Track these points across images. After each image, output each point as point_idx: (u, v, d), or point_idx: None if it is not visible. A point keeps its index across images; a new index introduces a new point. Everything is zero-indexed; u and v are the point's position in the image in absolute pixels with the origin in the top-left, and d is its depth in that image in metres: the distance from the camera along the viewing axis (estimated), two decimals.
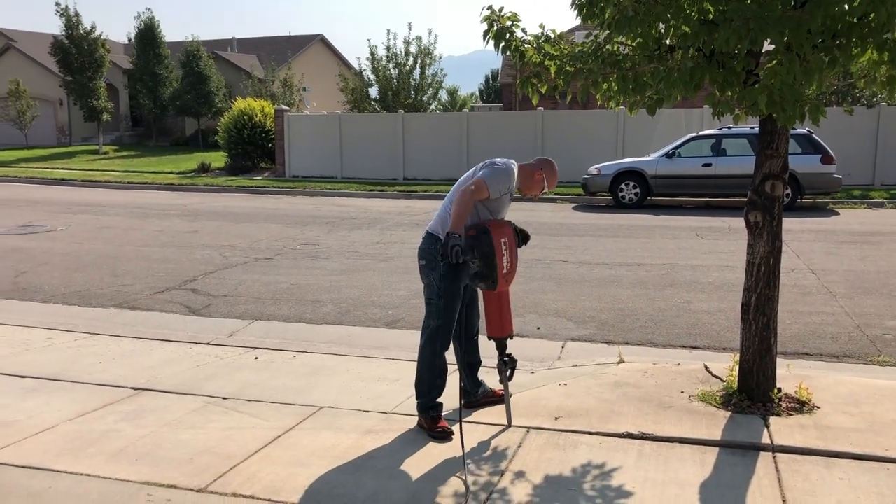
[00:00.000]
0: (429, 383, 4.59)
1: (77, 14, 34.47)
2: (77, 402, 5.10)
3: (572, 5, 4.59)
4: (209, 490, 3.85)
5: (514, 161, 4.71)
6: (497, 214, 4.62)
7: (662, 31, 4.39)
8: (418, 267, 4.69)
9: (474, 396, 4.95)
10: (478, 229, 4.38)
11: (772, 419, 4.64)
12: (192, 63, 37.37)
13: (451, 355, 4.68)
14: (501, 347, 4.65)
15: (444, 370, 4.63)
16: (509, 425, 4.66)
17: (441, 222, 4.58)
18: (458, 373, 4.89)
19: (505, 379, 4.66)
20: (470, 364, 4.96)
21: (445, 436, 4.48)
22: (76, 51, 34.44)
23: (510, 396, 4.74)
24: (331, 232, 13.73)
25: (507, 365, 4.63)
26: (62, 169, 29.12)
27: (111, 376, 5.68)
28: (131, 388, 5.42)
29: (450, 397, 4.71)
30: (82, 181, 25.05)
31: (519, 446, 4.36)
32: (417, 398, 4.65)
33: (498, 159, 4.63)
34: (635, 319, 7.48)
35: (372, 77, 33.19)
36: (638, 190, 17.36)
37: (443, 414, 4.63)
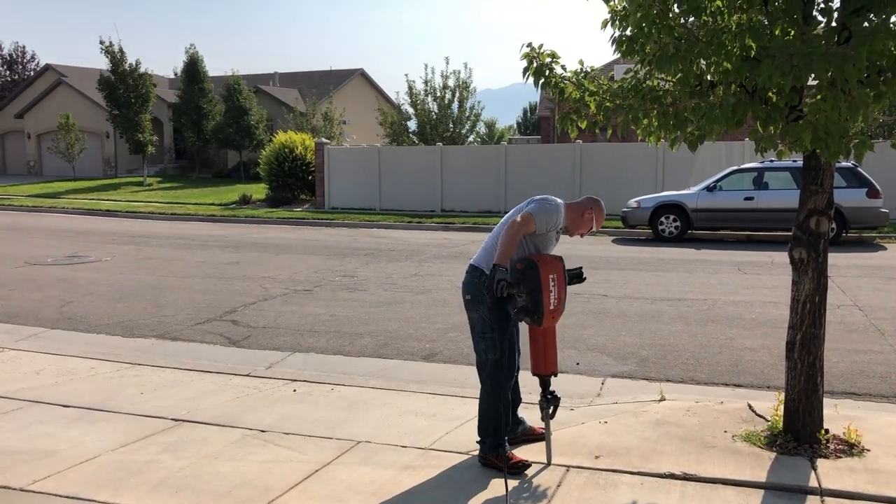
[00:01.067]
0: (496, 420, 4.50)
1: (122, 51, 35.44)
2: (119, 433, 5.16)
3: (611, 42, 4.60)
4: None
5: (560, 200, 4.69)
6: (543, 251, 4.59)
7: (703, 67, 4.38)
8: (463, 301, 4.66)
9: (513, 434, 4.88)
10: (526, 263, 4.35)
11: (819, 461, 4.52)
12: (233, 96, 38.14)
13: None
14: (545, 384, 4.60)
15: (508, 407, 4.56)
16: (549, 464, 4.60)
17: (486, 255, 4.56)
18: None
19: (547, 417, 4.60)
20: (511, 400, 4.90)
21: (524, 468, 4.44)
22: (122, 86, 35.38)
23: (551, 434, 4.68)
24: (369, 263, 13.80)
25: (549, 402, 4.57)
26: (107, 200, 29.79)
27: (152, 407, 5.74)
28: (172, 419, 5.47)
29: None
30: (126, 212, 25.58)
31: (559, 486, 4.29)
32: (484, 438, 4.56)
33: (548, 195, 4.63)
34: (677, 356, 7.36)
35: (410, 110, 33.60)
36: (678, 223, 17.19)
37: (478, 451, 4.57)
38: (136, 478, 4.41)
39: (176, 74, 41.58)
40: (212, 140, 39.52)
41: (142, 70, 35.86)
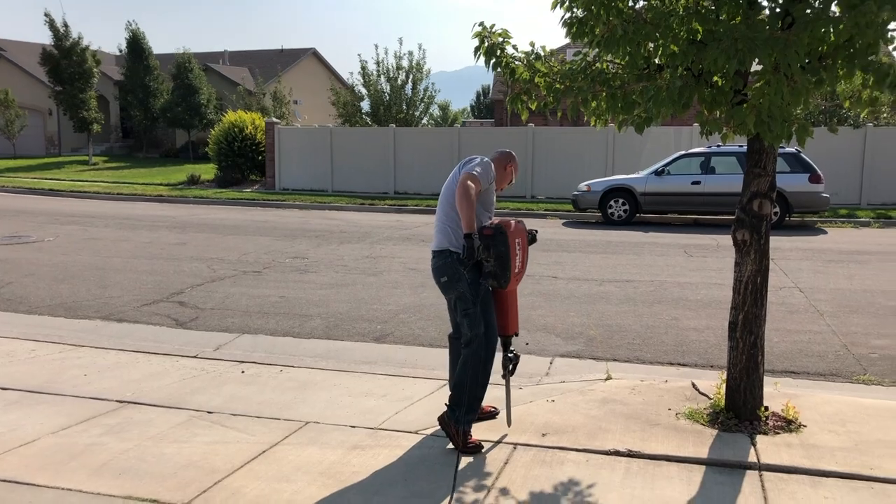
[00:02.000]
0: (470, 395, 4.52)
1: (66, 25, 34.40)
2: (60, 416, 5.06)
3: (562, 24, 4.61)
4: None
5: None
6: (490, 208, 4.66)
7: (651, 50, 4.43)
8: (439, 286, 4.64)
9: None
10: (494, 229, 4.44)
11: (759, 437, 4.65)
12: (182, 75, 37.36)
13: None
14: (506, 345, 4.72)
15: (486, 381, 4.61)
16: (509, 425, 4.76)
17: (444, 237, 4.57)
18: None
19: (508, 374, 4.72)
20: None
21: (477, 451, 4.48)
22: (66, 61, 34.36)
23: (511, 395, 4.81)
24: (320, 245, 13.70)
25: (511, 361, 4.69)
26: (51, 179, 28.98)
27: (96, 389, 5.63)
28: (116, 401, 5.37)
29: (431, 413, 4.70)
30: (71, 192, 24.94)
31: (506, 463, 4.34)
32: (454, 408, 4.52)
33: (472, 156, 4.68)
34: (623, 336, 7.48)
35: (363, 91, 33.32)
36: (627, 207, 17.42)
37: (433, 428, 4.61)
38: (76, 461, 4.33)
39: (120, 51, 40.50)
40: (160, 119, 38.71)
41: (85, 45, 34.84)
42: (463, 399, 4.52)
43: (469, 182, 4.35)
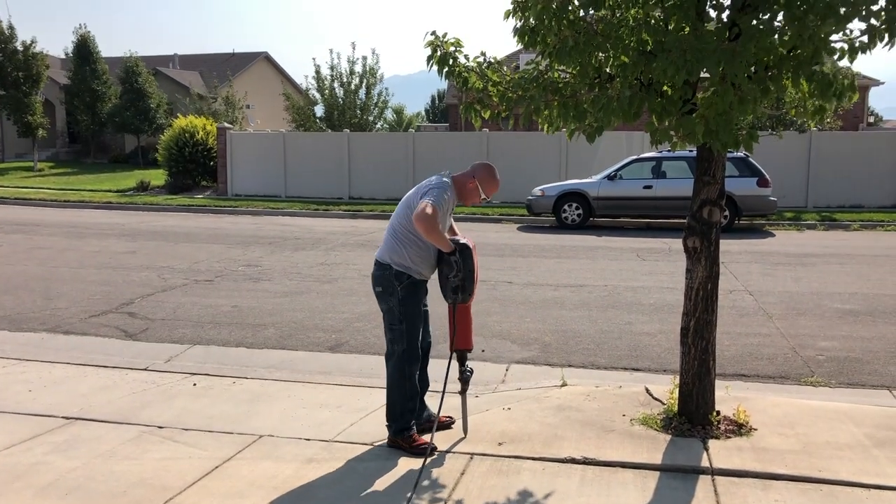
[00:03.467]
0: (401, 407, 4.65)
1: (11, 27, 33.53)
2: (3, 434, 4.89)
3: (514, 33, 4.64)
4: None
5: (448, 172, 4.79)
6: (445, 227, 4.68)
7: (602, 60, 4.47)
8: (374, 294, 4.74)
9: (419, 421, 4.91)
10: (459, 246, 4.53)
11: (711, 442, 4.71)
12: (131, 79, 36.68)
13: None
14: (462, 359, 4.77)
15: (415, 393, 4.71)
16: (465, 436, 4.80)
17: (389, 249, 4.64)
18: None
19: (465, 389, 4.80)
20: (419, 388, 4.95)
21: (428, 451, 4.51)
22: (10, 65, 33.46)
23: (467, 407, 4.88)
24: (274, 252, 13.55)
25: (469, 376, 4.78)
26: None
27: (41, 405, 5.47)
28: (63, 417, 5.23)
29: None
30: (15, 199, 24.27)
31: (462, 473, 4.33)
32: (391, 423, 4.68)
33: (433, 178, 4.69)
34: (578, 341, 7.54)
35: (317, 96, 33.12)
36: (581, 211, 17.59)
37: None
38: (21, 481, 4.19)
39: (67, 55, 39.61)
40: (108, 124, 37.94)
41: (35, 49, 33.95)
42: (396, 414, 4.66)
43: (426, 216, 4.38)
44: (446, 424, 4.99)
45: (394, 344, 4.65)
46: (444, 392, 4.64)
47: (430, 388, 5.05)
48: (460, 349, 4.72)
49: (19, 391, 5.79)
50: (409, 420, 4.67)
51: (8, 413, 5.30)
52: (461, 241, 4.57)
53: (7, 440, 4.79)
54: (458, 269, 4.51)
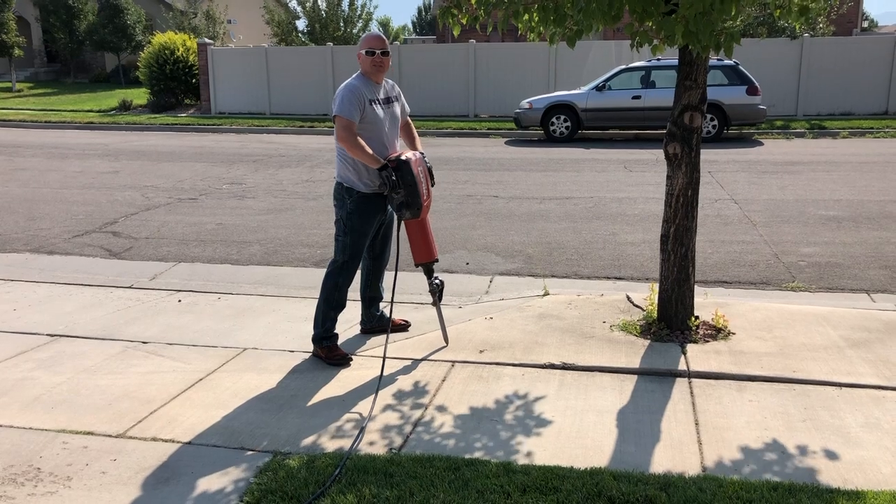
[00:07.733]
0: (324, 315, 4.75)
1: None
2: None
3: None
4: (128, 435, 3.78)
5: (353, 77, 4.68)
6: (384, 125, 4.61)
7: None
8: None
9: (369, 324, 5.17)
10: (396, 161, 4.50)
11: (689, 346, 4.78)
12: None
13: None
14: (429, 272, 4.81)
15: (341, 304, 4.78)
16: (446, 344, 4.87)
17: (336, 166, 4.72)
18: (389, 307, 4.93)
19: (437, 301, 4.85)
20: (371, 298, 5.14)
21: (344, 362, 4.66)
22: None
23: (444, 317, 4.94)
24: (258, 170, 13.43)
25: (437, 287, 4.81)
26: None
27: (26, 323, 5.49)
28: (48, 334, 5.25)
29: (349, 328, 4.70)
30: None
31: (443, 380, 4.40)
32: (314, 329, 4.78)
33: (342, 84, 4.61)
34: (562, 252, 7.56)
35: (299, 9, 32.24)
36: (569, 124, 17.39)
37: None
38: (6, 396, 4.24)
39: None
40: (86, 42, 36.86)
41: None
42: (319, 321, 4.76)
43: (338, 133, 4.45)
44: (402, 327, 5.19)
45: (336, 253, 4.73)
46: (392, 296, 4.76)
47: (384, 300, 5.19)
48: (423, 262, 4.78)
49: (4, 310, 5.81)
50: (329, 329, 4.75)
51: None
52: (401, 157, 4.50)
53: None
54: (393, 186, 4.44)
